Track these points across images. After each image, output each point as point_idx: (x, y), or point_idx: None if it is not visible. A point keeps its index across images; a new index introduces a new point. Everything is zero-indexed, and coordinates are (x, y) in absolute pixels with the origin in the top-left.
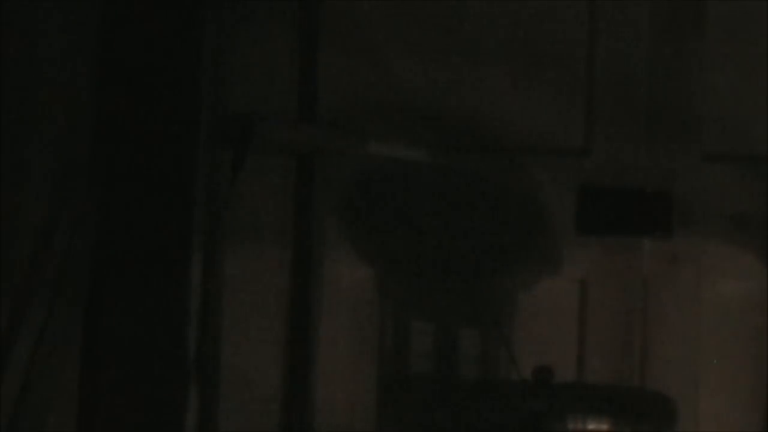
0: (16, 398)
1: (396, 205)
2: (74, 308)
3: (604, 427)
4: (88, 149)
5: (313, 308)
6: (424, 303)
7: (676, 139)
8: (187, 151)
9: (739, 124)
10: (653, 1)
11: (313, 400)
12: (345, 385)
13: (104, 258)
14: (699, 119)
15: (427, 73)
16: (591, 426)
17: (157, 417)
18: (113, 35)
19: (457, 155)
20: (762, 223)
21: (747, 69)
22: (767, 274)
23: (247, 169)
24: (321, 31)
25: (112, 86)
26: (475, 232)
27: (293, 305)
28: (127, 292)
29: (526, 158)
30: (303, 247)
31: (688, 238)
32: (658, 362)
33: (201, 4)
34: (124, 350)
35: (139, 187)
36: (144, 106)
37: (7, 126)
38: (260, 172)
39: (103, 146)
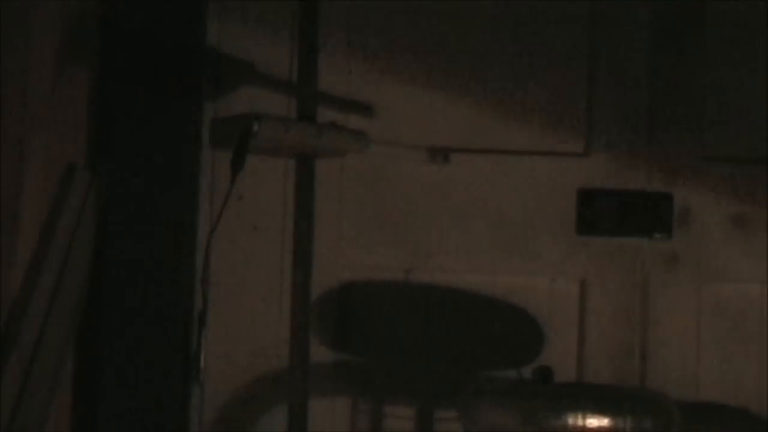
0: (16, 398)
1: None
2: (74, 308)
3: (604, 426)
4: (88, 148)
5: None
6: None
7: (676, 139)
8: (187, 151)
9: (739, 125)
10: (653, 1)
11: (307, 400)
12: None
13: (104, 258)
14: (699, 119)
15: (426, 72)
16: (590, 426)
17: (157, 417)
18: (112, 34)
19: (457, 155)
20: (762, 224)
21: (747, 69)
22: (767, 275)
23: (246, 169)
24: (321, 31)
25: (111, 85)
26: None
27: (293, 306)
28: (127, 293)
29: (526, 158)
30: (303, 248)
31: (688, 238)
32: (658, 362)
33: (201, 3)
34: (124, 350)
35: (138, 186)
36: (144, 106)
37: (6, 126)
38: (260, 172)
39: (102, 146)
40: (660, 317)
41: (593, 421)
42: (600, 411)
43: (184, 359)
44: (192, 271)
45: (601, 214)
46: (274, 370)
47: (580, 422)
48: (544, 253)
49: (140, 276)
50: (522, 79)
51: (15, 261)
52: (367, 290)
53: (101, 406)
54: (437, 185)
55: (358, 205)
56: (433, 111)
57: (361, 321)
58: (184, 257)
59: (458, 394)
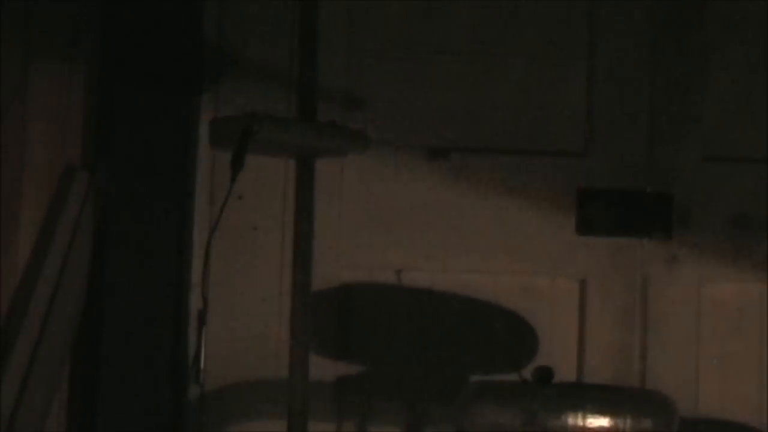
0: (16, 398)
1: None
2: (74, 308)
3: (604, 426)
4: (88, 148)
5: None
6: None
7: (676, 139)
8: (185, 151)
9: (739, 125)
10: (653, 1)
11: (307, 400)
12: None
13: (104, 258)
14: (699, 119)
15: (426, 72)
16: (590, 426)
17: (155, 417)
18: (112, 34)
19: (457, 155)
20: (762, 224)
21: (747, 69)
22: (767, 275)
23: (246, 169)
24: (321, 30)
25: (112, 85)
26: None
27: (293, 306)
28: (126, 292)
29: (526, 158)
30: (303, 248)
31: (688, 238)
32: (658, 362)
33: (202, 2)
34: (123, 350)
35: (139, 186)
36: (143, 106)
37: (6, 126)
38: (260, 172)
39: (102, 146)
40: (660, 317)
41: (593, 421)
42: (600, 411)
43: (183, 359)
44: (191, 270)
45: (601, 214)
46: (273, 370)
47: (580, 422)
48: (544, 253)
49: (140, 276)
50: (522, 78)
51: (15, 261)
52: (365, 294)
53: (100, 406)
54: (437, 185)
55: (358, 205)
56: (434, 111)
57: (360, 325)
58: (183, 257)
59: (458, 395)
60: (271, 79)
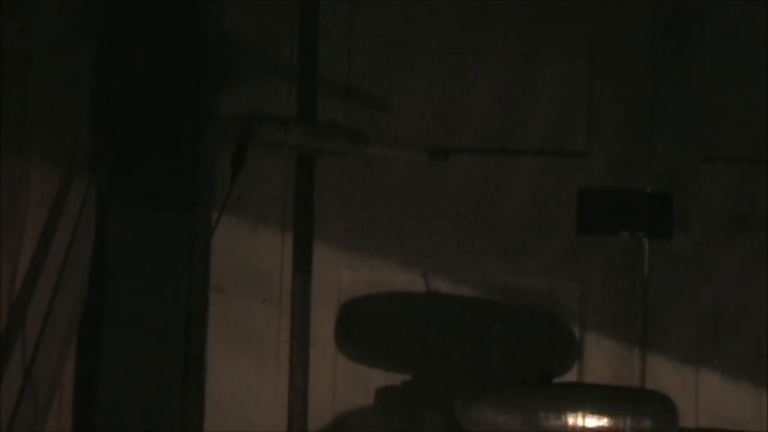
0: (16, 398)
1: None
2: (74, 308)
3: (604, 426)
4: (88, 148)
5: (313, 308)
6: None
7: (676, 139)
8: (187, 151)
9: (739, 125)
10: (653, 1)
11: (307, 400)
12: (342, 383)
13: (105, 258)
14: (698, 119)
15: (426, 72)
16: (590, 426)
17: (156, 417)
18: (113, 33)
19: (457, 156)
20: (762, 223)
21: (747, 69)
22: (767, 275)
23: (246, 169)
24: (321, 31)
25: (112, 85)
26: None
27: (293, 306)
28: (127, 292)
29: (526, 158)
30: (303, 248)
31: (688, 238)
32: (658, 362)
33: (202, 2)
34: (124, 350)
35: (139, 187)
36: (144, 106)
37: (6, 126)
38: (260, 172)
39: (102, 146)
40: (660, 317)
41: (593, 421)
42: (600, 411)
43: (184, 359)
44: (192, 271)
45: (601, 214)
46: (274, 370)
47: (580, 422)
48: (544, 253)
49: (140, 276)
50: (522, 78)
51: (15, 261)
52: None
53: (101, 406)
54: (437, 185)
55: (358, 205)
56: (434, 110)
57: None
58: (184, 257)
59: (457, 396)
60: (271, 79)
